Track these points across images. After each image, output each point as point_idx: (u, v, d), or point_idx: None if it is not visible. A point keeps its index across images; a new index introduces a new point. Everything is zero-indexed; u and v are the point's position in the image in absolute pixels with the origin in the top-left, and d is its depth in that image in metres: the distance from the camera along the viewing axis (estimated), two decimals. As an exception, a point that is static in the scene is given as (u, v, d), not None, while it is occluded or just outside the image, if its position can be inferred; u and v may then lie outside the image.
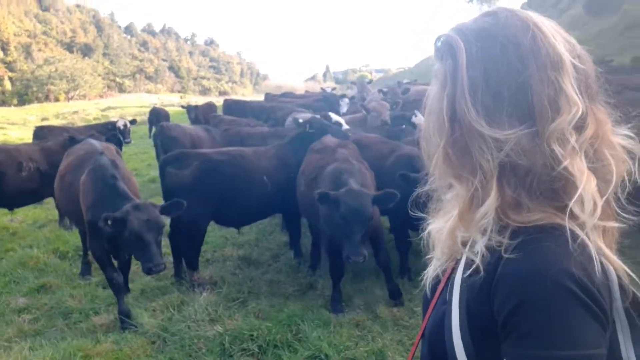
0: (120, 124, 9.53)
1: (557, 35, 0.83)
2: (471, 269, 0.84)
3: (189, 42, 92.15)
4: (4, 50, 55.59)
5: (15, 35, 59.36)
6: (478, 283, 0.82)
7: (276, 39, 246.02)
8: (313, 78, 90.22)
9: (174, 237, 5.07)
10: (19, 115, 35.22)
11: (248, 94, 69.34)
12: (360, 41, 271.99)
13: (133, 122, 9.87)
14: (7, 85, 51.81)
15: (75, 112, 34.01)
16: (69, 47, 66.15)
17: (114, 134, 9.26)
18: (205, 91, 74.73)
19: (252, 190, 4.91)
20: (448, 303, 0.88)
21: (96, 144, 5.21)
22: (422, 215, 1.07)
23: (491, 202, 0.81)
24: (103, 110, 35.23)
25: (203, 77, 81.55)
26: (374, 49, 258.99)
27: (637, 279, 0.82)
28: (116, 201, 3.96)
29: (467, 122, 0.82)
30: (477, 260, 0.82)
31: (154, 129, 11.98)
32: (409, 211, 1.16)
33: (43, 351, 3.65)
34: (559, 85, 0.80)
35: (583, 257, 0.76)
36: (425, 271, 1.04)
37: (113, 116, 28.32)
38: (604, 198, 0.81)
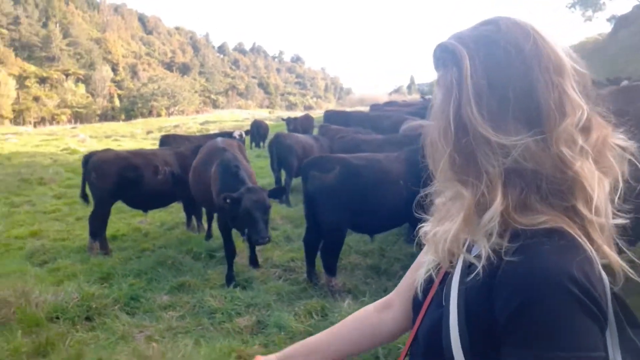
0: (236, 134, 9.90)
1: (556, 41, 0.85)
2: (473, 272, 0.83)
3: (276, 60, 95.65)
4: (114, 70, 61.14)
5: (123, 57, 65.18)
6: (477, 286, 0.82)
7: (360, 52, 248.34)
8: (397, 90, 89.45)
9: (309, 241, 5.02)
10: (126, 129, 38.24)
11: (331, 107, 70.24)
12: None
13: (247, 132, 10.20)
14: (117, 102, 56.83)
15: (177, 126, 36.18)
16: (169, 67, 71.29)
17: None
18: (291, 106, 76.91)
19: (390, 195, 4.73)
20: (445, 306, 0.88)
21: (220, 141, 6.07)
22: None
23: (497, 206, 0.80)
24: (202, 124, 37.20)
25: (289, 93, 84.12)
26: None
27: (635, 276, 0.84)
28: (237, 185, 4.92)
29: (473, 129, 0.82)
30: (481, 263, 0.81)
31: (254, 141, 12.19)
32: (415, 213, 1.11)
33: (201, 349, 3.67)
34: (563, 89, 0.81)
35: (583, 260, 0.76)
36: (418, 274, 1.04)
37: (212, 129, 29.84)
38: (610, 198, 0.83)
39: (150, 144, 24.82)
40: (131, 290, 4.95)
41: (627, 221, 0.87)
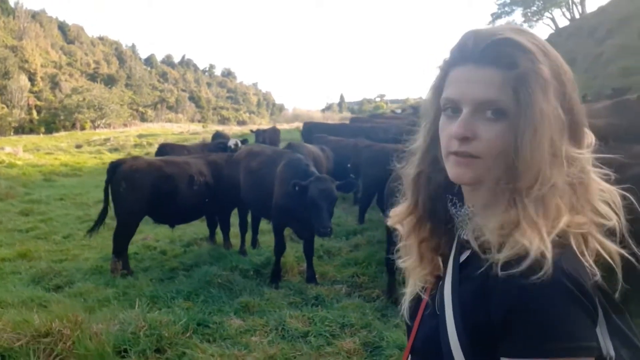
0: (231, 144, 9.35)
1: None
2: (467, 276, 0.87)
3: (207, 73, 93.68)
4: (32, 80, 56.47)
5: (42, 66, 60.46)
6: (472, 289, 0.84)
7: (291, 69, 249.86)
8: (329, 108, 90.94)
9: (388, 260, 4.75)
10: (50, 142, 35.29)
11: (265, 124, 69.73)
12: (375, 71, 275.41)
13: (244, 142, 9.68)
14: (34, 114, 52.36)
15: (107, 139, 34.08)
16: (93, 78, 67.31)
17: (227, 152, 9.10)
18: (224, 120, 75.39)
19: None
20: (440, 314, 0.89)
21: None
22: None
23: (566, 213, 0.82)
24: (139, 137, 35.25)
25: (222, 107, 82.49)
26: (388, 79, 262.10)
27: (636, 263, 0.89)
28: (307, 177, 4.90)
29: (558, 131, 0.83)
30: (524, 264, 0.78)
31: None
32: None
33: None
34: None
35: (571, 255, 0.80)
36: (402, 300, 1.06)
37: (153, 143, 28.46)
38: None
39: (88, 157, 23.15)
40: (192, 314, 4.37)
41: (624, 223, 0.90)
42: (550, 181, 0.81)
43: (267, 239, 6.90)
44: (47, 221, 8.61)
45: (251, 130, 16.79)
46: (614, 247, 0.85)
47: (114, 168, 5.53)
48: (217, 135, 17.91)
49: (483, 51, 0.84)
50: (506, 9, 43.90)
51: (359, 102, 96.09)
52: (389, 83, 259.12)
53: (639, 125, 7.00)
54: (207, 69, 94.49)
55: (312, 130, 13.29)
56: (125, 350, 3.79)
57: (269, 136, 16.17)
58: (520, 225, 0.80)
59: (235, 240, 6.69)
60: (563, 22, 40.41)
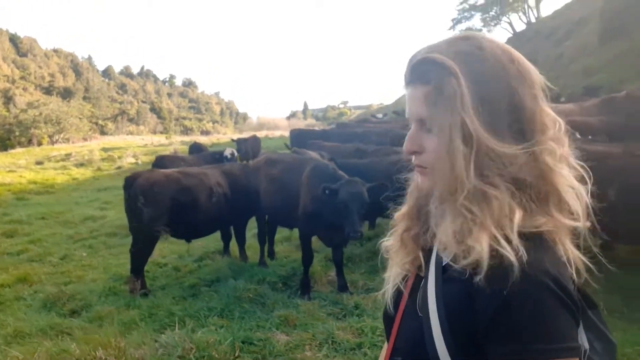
0: (227, 153, 9.15)
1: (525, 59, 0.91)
2: (451, 278, 0.86)
3: (167, 84, 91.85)
4: (-17, 95, 53.77)
5: (-7, 80, 57.67)
6: (456, 291, 0.85)
7: (252, 77, 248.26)
8: (294, 115, 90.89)
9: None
10: (6, 160, 33.62)
11: (230, 133, 68.84)
12: (337, 78, 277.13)
13: (240, 151, 9.47)
14: (-13, 130, 49.80)
15: (69, 155, 32.80)
16: (48, 91, 64.85)
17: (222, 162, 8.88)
18: (187, 131, 73.97)
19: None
20: (423, 315, 0.89)
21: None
22: None
23: (518, 212, 0.83)
24: (105, 150, 34.06)
25: (184, 118, 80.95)
26: (350, 86, 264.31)
27: (594, 269, 0.90)
28: (336, 180, 4.80)
29: (479, 139, 0.84)
30: (513, 268, 0.78)
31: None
32: None
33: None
34: (543, 104, 0.88)
35: (557, 259, 0.82)
36: (383, 290, 1.07)
37: (122, 156, 27.67)
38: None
39: (55, 173, 22.12)
40: (235, 332, 4.16)
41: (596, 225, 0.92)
42: (470, 184, 0.84)
43: (281, 249, 6.72)
44: (36, 242, 8.10)
45: (232, 139, 16.58)
46: (576, 253, 0.87)
47: (131, 182, 5.22)
48: (195, 146, 17.53)
49: (411, 72, 0.92)
50: (466, 14, 45.24)
51: (323, 109, 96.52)
52: (352, 90, 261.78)
53: (633, 122, 7.25)
54: (168, 79, 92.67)
55: (301, 137, 13.15)
56: (176, 376, 3.55)
57: (250, 145, 16.00)
58: (471, 230, 0.84)
59: (249, 252, 6.48)
60: (520, 26, 41.91)
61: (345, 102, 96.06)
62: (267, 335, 4.21)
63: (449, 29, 46.72)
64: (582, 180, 0.91)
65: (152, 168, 8.03)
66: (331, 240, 5.14)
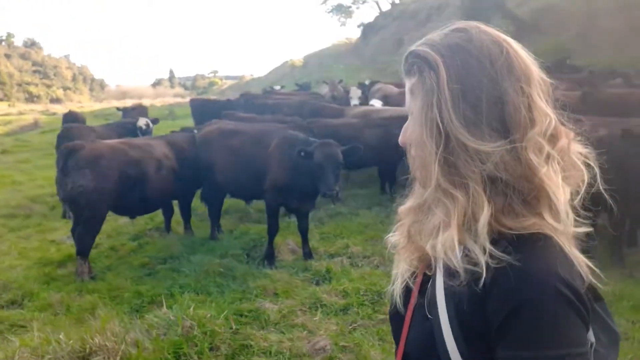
0: (142, 124, 8.48)
1: (523, 51, 0.89)
2: (458, 280, 0.84)
3: (4, 44, 79.42)
4: None
5: None
6: (466, 293, 0.83)
7: (109, 41, 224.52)
8: (159, 83, 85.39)
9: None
10: None
11: (85, 101, 62.41)
12: (205, 47, 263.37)
13: (155, 121, 8.82)
14: None
15: None
16: None
17: (135, 134, 8.23)
18: (33, 99, 65.37)
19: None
20: (433, 318, 0.88)
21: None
22: None
23: (486, 211, 0.83)
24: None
25: (29, 83, 71.16)
26: (220, 56, 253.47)
27: (599, 272, 0.89)
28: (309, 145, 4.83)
29: (453, 134, 0.84)
30: (482, 269, 0.81)
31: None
32: None
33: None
34: (532, 98, 0.85)
35: (567, 262, 0.82)
36: (391, 287, 1.05)
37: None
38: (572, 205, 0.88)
39: None
40: (224, 306, 4.10)
41: (590, 229, 0.91)
42: (435, 181, 0.86)
43: (224, 222, 6.56)
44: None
45: (117, 109, 15.20)
46: (580, 257, 0.86)
47: (69, 153, 4.64)
48: (70, 115, 15.77)
49: (403, 64, 0.94)
50: (335, -7, 46.40)
51: (192, 77, 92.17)
52: (221, 59, 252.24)
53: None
54: (4, 38, 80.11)
55: (204, 108, 12.53)
56: (184, 354, 3.42)
57: (138, 114, 14.99)
58: (438, 229, 0.87)
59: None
60: (386, 6, 44.18)
61: (215, 72, 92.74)
62: (255, 305, 4.22)
63: (321, 4, 47.77)
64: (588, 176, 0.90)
65: (61, 140, 7.15)
66: (298, 209, 5.22)
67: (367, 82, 13.90)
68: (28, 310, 4.29)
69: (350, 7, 47.45)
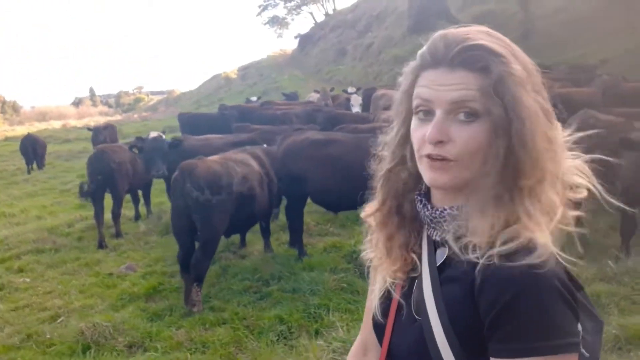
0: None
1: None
2: (449, 280, 0.87)
3: None
4: None
5: None
6: (458, 290, 0.84)
7: (18, 61, 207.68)
8: (80, 102, 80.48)
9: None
10: None
11: (-2, 125, 57.30)
12: (127, 63, 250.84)
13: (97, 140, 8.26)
14: None
15: None
16: None
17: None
18: None
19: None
20: (423, 320, 0.88)
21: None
22: None
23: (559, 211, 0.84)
24: None
25: None
26: (143, 72, 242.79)
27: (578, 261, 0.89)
28: None
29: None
30: (479, 266, 0.81)
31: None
32: None
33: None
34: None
35: (555, 256, 0.81)
36: (371, 297, 1.04)
37: None
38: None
39: None
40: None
41: (584, 230, 0.92)
42: (549, 172, 0.84)
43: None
44: None
45: (88, 128, 14.29)
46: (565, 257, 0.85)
47: (188, 172, 4.19)
48: (29, 139, 14.68)
49: (456, 55, 0.85)
50: (271, 2, 46.63)
51: (115, 94, 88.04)
52: (145, 75, 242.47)
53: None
54: None
55: (195, 121, 11.90)
56: None
57: (109, 133, 14.40)
58: (521, 220, 0.82)
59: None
60: (320, 17, 44.78)
61: (140, 88, 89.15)
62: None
63: (257, 15, 47.62)
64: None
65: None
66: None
67: (350, 90, 13.85)
68: (161, 353, 3.79)
69: (285, 18, 47.81)
